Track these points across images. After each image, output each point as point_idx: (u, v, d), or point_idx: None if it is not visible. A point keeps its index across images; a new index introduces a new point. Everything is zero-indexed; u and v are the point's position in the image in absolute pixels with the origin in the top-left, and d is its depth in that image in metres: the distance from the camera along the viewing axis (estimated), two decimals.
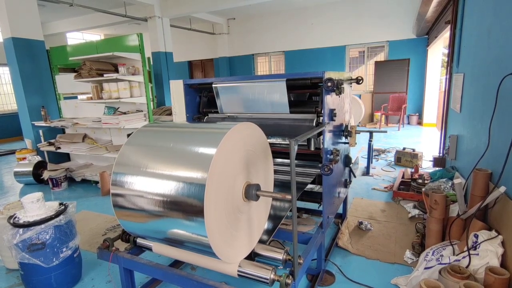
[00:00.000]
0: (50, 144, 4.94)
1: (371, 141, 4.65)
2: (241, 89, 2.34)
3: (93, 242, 2.98)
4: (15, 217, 2.13)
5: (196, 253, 1.64)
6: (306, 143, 2.46)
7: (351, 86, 2.87)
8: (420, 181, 3.60)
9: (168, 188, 1.45)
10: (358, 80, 2.72)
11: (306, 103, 2.44)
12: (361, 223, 3.03)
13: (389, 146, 6.19)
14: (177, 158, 1.50)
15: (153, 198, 1.49)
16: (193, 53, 12.64)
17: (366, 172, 4.70)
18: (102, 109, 4.77)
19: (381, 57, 9.35)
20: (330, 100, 2.14)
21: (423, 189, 3.34)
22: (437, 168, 4.20)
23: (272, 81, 2.20)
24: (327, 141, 2.12)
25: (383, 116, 8.66)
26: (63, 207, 2.28)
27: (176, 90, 2.57)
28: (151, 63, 8.33)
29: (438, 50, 8.08)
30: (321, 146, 2.23)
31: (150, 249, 1.93)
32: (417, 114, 8.82)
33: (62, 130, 5.47)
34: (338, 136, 2.48)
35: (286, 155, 2.57)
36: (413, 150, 4.89)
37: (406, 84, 8.74)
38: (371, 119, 9.36)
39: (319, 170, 2.67)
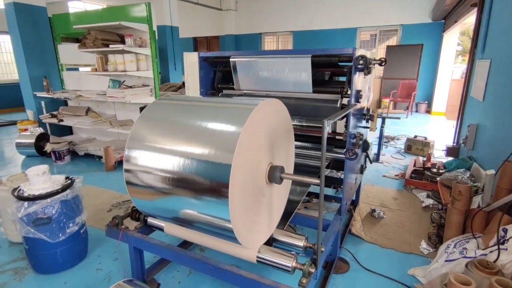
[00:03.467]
0: (53, 116, 4.80)
1: (383, 127, 4.52)
2: (261, 64, 2.19)
3: (98, 218, 2.90)
4: (20, 190, 2.02)
5: (214, 236, 1.54)
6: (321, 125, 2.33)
7: (374, 67, 2.71)
8: (434, 170, 3.50)
9: (189, 167, 1.33)
10: (382, 62, 2.55)
11: (329, 83, 2.29)
12: (373, 210, 2.95)
13: (397, 133, 6.06)
14: (199, 135, 1.38)
15: (172, 176, 1.37)
16: (198, 29, 12.25)
17: (376, 159, 4.59)
18: (106, 82, 4.59)
19: (393, 41, 9.06)
20: (357, 80, 1.99)
21: (439, 179, 3.25)
22: (450, 158, 4.10)
23: (296, 57, 2.04)
24: (352, 124, 1.99)
25: (392, 102, 8.48)
26: (69, 181, 2.18)
27: (190, 63, 2.41)
28: (156, 37, 8.04)
29: (454, 36, 7.79)
30: (344, 129, 2.11)
31: (161, 229, 1.84)
32: (426, 102, 8.64)
33: (64, 102, 5.31)
34: (360, 120, 2.34)
35: (305, 138, 2.45)
36: (425, 138, 4.77)
37: (417, 71, 8.50)
38: (378, 105, 9.17)
39: (334, 154, 2.57)
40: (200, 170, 1.30)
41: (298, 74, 2.09)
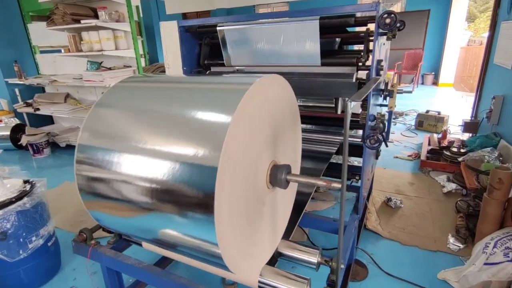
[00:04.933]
0: (28, 104, 4.34)
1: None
2: (255, 33, 1.75)
3: (77, 221, 2.55)
4: None
5: (202, 262, 1.18)
6: (333, 105, 1.92)
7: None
8: (454, 149, 3.12)
9: (159, 172, 0.94)
10: (400, 26, 2.10)
11: (340, 53, 1.86)
12: (389, 199, 2.60)
13: (405, 108, 5.64)
14: (174, 127, 0.98)
15: (138, 184, 0.99)
16: (187, 5, 11.46)
17: (386, 138, 4.20)
18: (85, 64, 4.11)
19: (397, 7, 8.41)
20: (380, 47, 1.57)
21: (461, 160, 2.88)
22: (469, 134, 3.72)
23: (300, 21, 1.60)
24: (371, 103, 1.59)
25: (396, 75, 7.98)
26: (28, 186, 1.80)
27: (169, 36, 1.96)
28: (141, 14, 7.41)
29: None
30: (360, 109, 1.70)
31: (139, 243, 1.48)
32: (432, 73, 8.15)
33: (42, 89, 4.83)
34: (377, 97, 1.94)
35: (313, 120, 2.05)
36: (438, 113, 4.37)
37: (423, 40, 7.95)
38: None
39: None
40: (175, 176, 0.91)
41: (303, 43, 1.66)
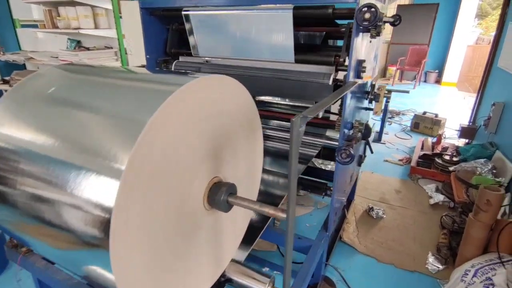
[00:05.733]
0: (5, 82, 4.13)
1: (388, 102, 3.88)
2: (224, 20, 1.53)
3: None
4: None
5: None
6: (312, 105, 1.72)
7: (384, 27, 2.04)
8: (447, 157, 2.93)
9: (43, 187, 0.75)
10: (395, 20, 1.87)
11: (321, 49, 1.65)
12: (371, 208, 2.43)
13: (403, 108, 5.41)
14: (73, 133, 0.78)
15: (19, 202, 0.80)
16: None
17: (378, 138, 4.02)
18: (65, 42, 3.87)
19: None
20: (360, 46, 1.36)
21: (452, 169, 2.70)
22: (466, 140, 3.52)
23: (272, 10, 1.38)
24: (348, 110, 1.39)
25: (398, 71, 7.69)
26: None
27: (131, 18, 1.74)
28: None
29: None
30: (338, 116, 1.51)
31: None
32: (436, 71, 7.86)
33: (23, 66, 4.60)
34: (360, 100, 1.74)
35: (285, 121, 1.86)
36: (436, 115, 4.15)
37: (429, 35, 7.62)
38: (383, 74, 8.40)
39: (326, 141, 2.01)
40: (62, 196, 0.72)
41: (275, 36, 1.45)
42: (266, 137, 1.83)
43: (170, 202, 0.82)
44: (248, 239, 1.35)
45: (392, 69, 7.80)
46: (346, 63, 1.43)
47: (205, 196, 0.96)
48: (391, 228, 2.28)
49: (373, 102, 1.84)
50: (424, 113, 4.29)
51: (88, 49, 3.50)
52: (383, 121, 4.05)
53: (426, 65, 7.75)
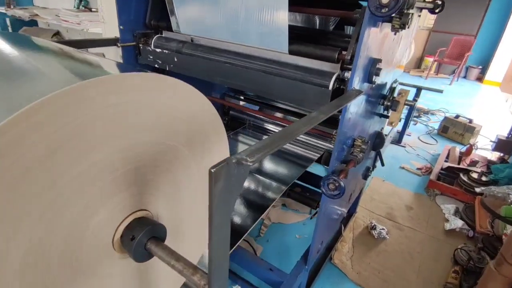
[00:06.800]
0: None
1: (416, 100, 3.41)
2: None
3: None
4: None
5: None
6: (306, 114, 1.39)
7: (419, 16, 1.62)
8: (474, 175, 2.52)
9: None
10: (436, 6, 1.46)
11: (329, 39, 1.29)
12: (373, 226, 2.12)
13: (434, 106, 4.86)
14: None
15: None
16: None
17: (398, 140, 3.60)
18: None
19: None
20: (375, 39, 1.00)
21: (479, 191, 2.31)
22: (501, 155, 3.05)
23: None
24: (348, 124, 1.06)
25: (436, 63, 6.96)
26: None
27: None
28: None
29: None
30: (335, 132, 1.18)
31: None
32: (479, 67, 7.05)
33: (35, 22, 4.44)
34: (374, 105, 1.39)
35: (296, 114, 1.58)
36: (470, 120, 3.64)
37: (478, 25, 6.77)
38: (418, 65, 7.66)
39: (330, 145, 1.72)
40: None
41: (267, 15, 1.11)
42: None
43: (48, 240, 0.56)
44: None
45: (429, 60, 7.07)
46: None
47: (115, 238, 0.71)
48: (393, 253, 1.98)
49: (389, 110, 1.48)
50: (457, 116, 3.79)
51: (91, 10, 3.23)
52: (407, 120, 3.59)
53: (469, 59, 6.94)
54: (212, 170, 0.46)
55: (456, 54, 6.78)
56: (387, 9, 0.80)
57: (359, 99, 1.04)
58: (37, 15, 3.56)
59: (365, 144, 1.15)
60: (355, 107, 1.06)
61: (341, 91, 1.10)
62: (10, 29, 4.33)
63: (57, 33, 4.11)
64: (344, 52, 1.08)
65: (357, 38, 0.99)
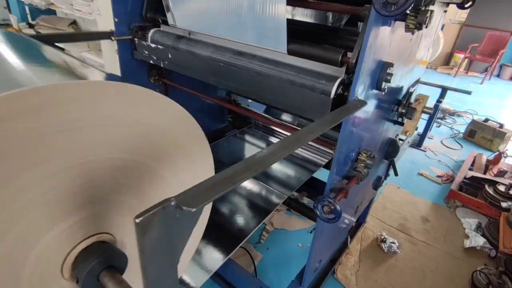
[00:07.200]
0: (30, 26, 4.05)
1: (440, 101, 3.16)
2: None
3: None
4: None
5: None
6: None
7: (445, 12, 1.43)
8: (501, 188, 2.29)
9: None
10: (465, 2, 1.27)
11: (337, 38, 1.15)
12: (383, 239, 1.97)
13: (461, 107, 4.53)
14: None
15: None
16: None
17: (418, 143, 3.37)
18: None
19: None
20: (385, 41, 0.85)
21: (505, 206, 2.10)
22: None
23: None
24: (350, 137, 0.93)
25: (466, 60, 6.51)
26: None
27: None
28: None
29: None
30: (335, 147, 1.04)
31: None
32: None
33: (53, 11, 4.48)
34: (386, 111, 1.24)
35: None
36: (501, 125, 3.35)
37: None
38: (447, 61, 7.21)
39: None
40: None
41: (265, 11, 0.98)
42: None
43: None
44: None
45: (459, 57, 6.63)
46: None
47: (66, 265, 0.62)
48: (404, 270, 1.82)
49: (404, 117, 1.32)
50: (486, 119, 3.49)
51: None
52: (429, 122, 3.35)
53: (504, 56, 6.45)
54: (137, 220, 0.35)
55: (489, 51, 6.30)
56: (395, 7, 0.66)
57: (365, 109, 0.90)
58: (53, 3, 3.57)
59: (370, 159, 1.01)
60: (360, 117, 0.93)
61: (346, 98, 0.96)
62: (29, 17, 4.39)
63: (73, 22, 4.12)
64: (350, 54, 0.94)
65: (363, 38, 0.84)
